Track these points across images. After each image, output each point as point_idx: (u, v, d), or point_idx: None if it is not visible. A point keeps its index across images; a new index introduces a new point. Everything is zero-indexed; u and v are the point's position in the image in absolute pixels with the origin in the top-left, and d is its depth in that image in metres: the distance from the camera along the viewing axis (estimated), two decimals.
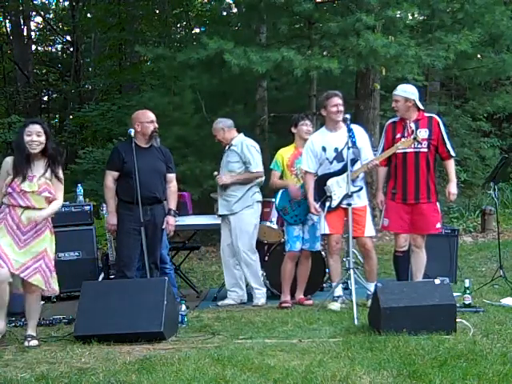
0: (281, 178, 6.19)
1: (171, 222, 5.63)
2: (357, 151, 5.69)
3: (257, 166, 6.18)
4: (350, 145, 5.56)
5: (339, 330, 4.67)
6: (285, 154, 6.18)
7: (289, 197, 6.03)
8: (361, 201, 5.76)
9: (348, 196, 5.55)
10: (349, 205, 5.52)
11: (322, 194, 5.76)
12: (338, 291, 5.76)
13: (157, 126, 5.61)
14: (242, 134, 6.37)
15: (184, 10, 16.77)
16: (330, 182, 5.73)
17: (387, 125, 5.86)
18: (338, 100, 5.78)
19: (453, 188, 5.72)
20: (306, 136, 6.06)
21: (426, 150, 5.61)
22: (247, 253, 6.15)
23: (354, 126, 5.87)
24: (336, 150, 5.74)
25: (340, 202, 5.69)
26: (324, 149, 5.77)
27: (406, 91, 5.69)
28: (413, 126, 5.63)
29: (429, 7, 10.32)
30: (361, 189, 5.74)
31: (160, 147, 5.75)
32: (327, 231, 5.75)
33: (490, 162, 13.50)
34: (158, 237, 5.60)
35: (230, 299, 6.25)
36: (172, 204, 5.70)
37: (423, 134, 5.59)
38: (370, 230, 5.79)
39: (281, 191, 6.12)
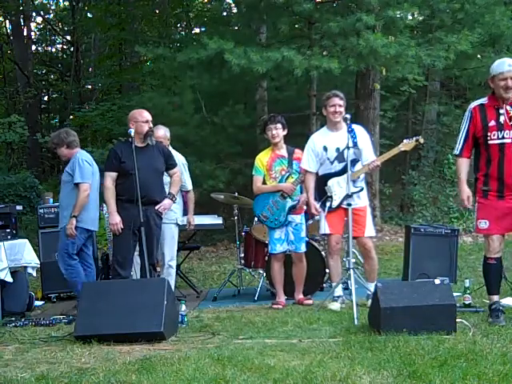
0: (263, 182, 6.12)
1: (166, 202, 5.68)
2: (358, 152, 5.69)
3: None
4: (350, 145, 5.55)
5: (339, 330, 4.67)
6: (263, 158, 6.11)
7: (264, 202, 6.00)
8: (361, 201, 5.75)
9: (348, 196, 5.55)
10: (349, 205, 5.52)
11: (322, 194, 5.77)
12: (338, 291, 5.76)
13: (152, 126, 5.66)
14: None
15: (184, 9, 16.80)
16: (331, 183, 5.73)
17: (473, 108, 4.82)
18: (337, 101, 5.76)
19: None
20: (274, 140, 6.01)
21: None
22: None
23: (356, 126, 5.85)
24: (337, 149, 5.72)
25: (341, 203, 5.68)
26: (325, 148, 5.76)
27: None
28: (510, 109, 4.69)
29: (429, 7, 10.33)
30: (361, 189, 5.73)
31: (158, 145, 5.76)
32: (328, 231, 5.75)
33: None
34: (153, 238, 5.59)
35: None
36: (172, 189, 5.77)
37: None
38: (370, 230, 5.79)
39: (256, 198, 6.08)
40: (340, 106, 5.75)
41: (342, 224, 5.73)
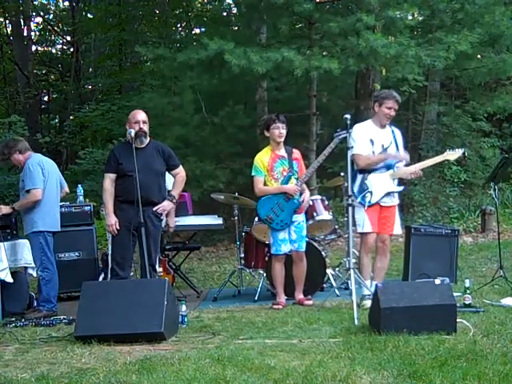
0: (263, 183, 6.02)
1: (165, 203, 5.65)
2: (398, 153, 5.83)
3: None
4: (349, 145, 5.56)
5: (339, 330, 4.67)
6: (263, 158, 6.01)
7: (269, 204, 5.92)
8: (395, 199, 5.86)
9: (349, 195, 5.54)
10: (349, 205, 5.51)
11: (362, 189, 5.73)
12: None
13: (142, 126, 5.59)
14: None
15: (184, 10, 16.79)
16: (372, 178, 5.71)
17: None
18: (395, 105, 5.82)
19: None
20: (280, 139, 5.96)
21: None
22: None
23: (395, 129, 5.95)
24: (382, 146, 5.78)
25: (380, 199, 5.72)
26: (372, 142, 5.79)
27: None
28: None
29: (429, 7, 10.32)
30: (403, 189, 5.88)
31: (158, 146, 5.76)
32: (369, 229, 5.67)
33: (490, 162, 13.51)
34: (151, 239, 5.55)
35: None
36: (174, 190, 5.76)
37: None
38: (398, 228, 5.90)
39: (260, 201, 5.98)
40: (395, 110, 5.84)
41: (377, 221, 5.75)
